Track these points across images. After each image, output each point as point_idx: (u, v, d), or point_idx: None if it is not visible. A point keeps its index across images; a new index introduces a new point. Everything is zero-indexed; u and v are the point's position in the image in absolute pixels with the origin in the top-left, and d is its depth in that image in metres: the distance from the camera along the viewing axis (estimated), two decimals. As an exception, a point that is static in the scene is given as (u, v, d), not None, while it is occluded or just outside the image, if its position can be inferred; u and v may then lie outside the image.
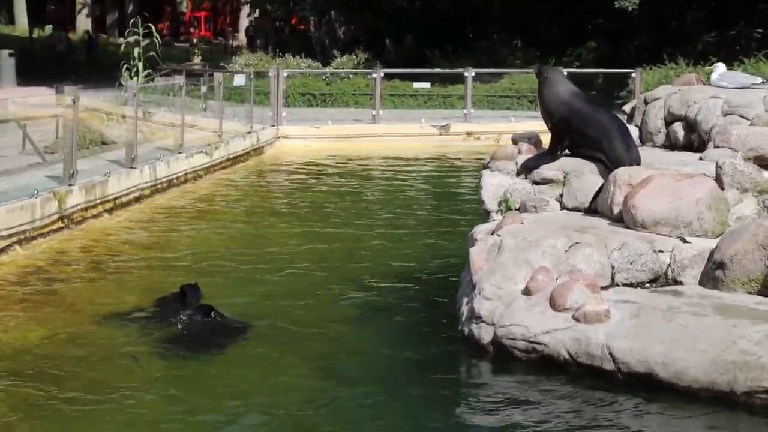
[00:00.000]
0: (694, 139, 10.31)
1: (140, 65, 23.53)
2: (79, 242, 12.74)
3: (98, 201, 14.30)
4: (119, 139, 17.69)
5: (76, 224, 13.51)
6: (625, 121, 10.53)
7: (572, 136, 9.50)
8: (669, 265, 8.21)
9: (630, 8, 29.84)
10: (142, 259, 11.91)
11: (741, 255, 7.79)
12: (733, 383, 6.87)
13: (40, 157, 15.38)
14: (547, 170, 9.54)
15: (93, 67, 38.44)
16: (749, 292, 7.78)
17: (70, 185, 13.62)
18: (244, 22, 63.31)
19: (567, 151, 9.64)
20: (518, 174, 9.64)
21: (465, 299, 8.45)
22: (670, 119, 10.69)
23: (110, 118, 20.50)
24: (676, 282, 8.15)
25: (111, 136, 18.48)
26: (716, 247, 8.05)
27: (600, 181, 9.22)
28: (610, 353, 7.30)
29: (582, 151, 9.51)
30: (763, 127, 9.51)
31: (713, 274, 7.97)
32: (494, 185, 9.67)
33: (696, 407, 6.93)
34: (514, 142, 10.16)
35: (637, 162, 9.21)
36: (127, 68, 23.54)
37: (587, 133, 9.40)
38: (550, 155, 9.62)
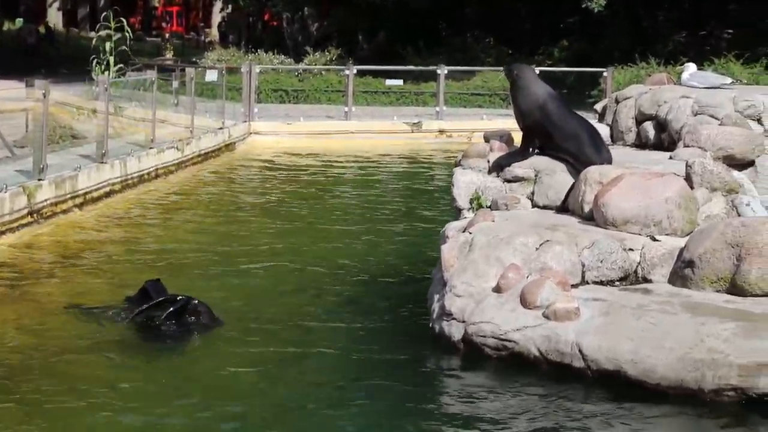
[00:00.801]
0: (664, 138, 10.36)
1: (111, 59, 23.41)
2: (48, 237, 12.67)
3: (68, 196, 14.22)
4: (90, 133, 17.59)
5: (46, 219, 13.43)
6: (594, 123, 10.58)
7: (543, 138, 9.51)
8: (639, 263, 8.26)
9: (596, 9, 29.92)
10: (113, 254, 11.86)
11: (710, 254, 7.84)
12: (701, 381, 6.92)
13: (9, 151, 15.27)
14: (518, 168, 9.56)
15: (53, 60, 38.22)
16: (718, 291, 7.84)
17: (39, 180, 13.54)
18: (216, 18, 63.06)
19: (538, 150, 9.65)
20: (490, 172, 9.66)
21: (436, 296, 8.46)
22: (640, 118, 10.75)
23: (81, 113, 20.40)
24: (646, 280, 8.20)
25: (81, 130, 18.37)
26: (685, 246, 8.10)
27: (571, 179, 9.26)
28: (580, 351, 7.34)
29: (553, 152, 9.52)
30: (733, 127, 9.58)
31: (682, 272, 8.02)
32: (466, 183, 9.69)
33: (664, 405, 6.97)
34: (486, 139, 10.18)
35: (608, 163, 9.25)
36: (98, 62, 23.41)
37: (558, 136, 9.41)
38: (520, 155, 9.64)
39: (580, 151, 9.28)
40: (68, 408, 6.94)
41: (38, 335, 8.51)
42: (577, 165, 9.26)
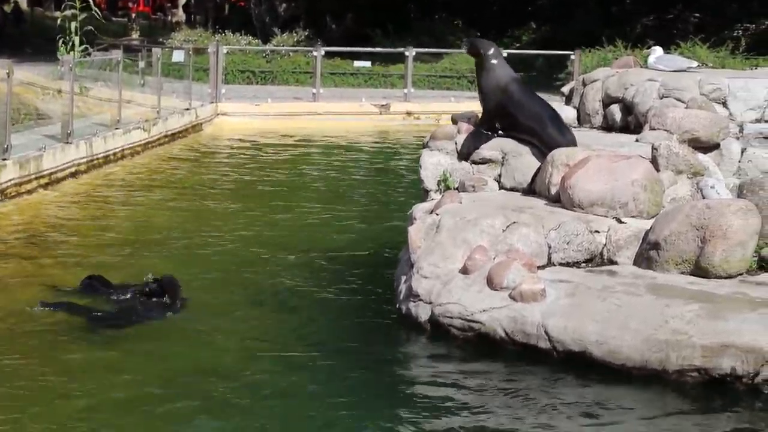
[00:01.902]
0: (630, 121, 10.41)
1: (77, 39, 23.18)
2: (13, 218, 12.57)
3: (33, 176, 14.11)
4: (55, 113, 17.44)
5: (10, 199, 13.33)
6: (561, 105, 10.63)
7: (505, 120, 9.51)
8: (604, 245, 8.30)
9: None
10: (78, 234, 11.78)
11: (675, 236, 7.90)
12: (665, 362, 6.98)
13: (-28, 131, 15.12)
14: (486, 150, 9.57)
15: (18, 40, 37.84)
16: (682, 273, 7.89)
17: (3, 160, 13.43)
18: (183, -2, 62.58)
19: (501, 132, 9.64)
20: (460, 160, 9.65)
21: (403, 278, 8.47)
22: (607, 101, 10.79)
23: (46, 93, 20.22)
24: (612, 262, 8.24)
25: (46, 110, 18.24)
26: (651, 228, 8.15)
27: (538, 162, 9.28)
28: (546, 332, 7.38)
29: (516, 135, 9.53)
30: (698, 110, 9.64)
31: (647, 254, 8.08)
32: (433, 164, 9.70)
33: (629, 385, 7.03)
34: (454, 121, 10.18)
35: (572, 144, 9.29)
36: (64, 42, 23.18)
37: (521, 119, 9.43)
38: (483, 136, 9.59)
39: (544, 133, 9.31)
40: (32, 389, 6.90)
41: (1, 318, 8.42)
42: (542, 147, 9.28)
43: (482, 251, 8.02)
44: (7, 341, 7.84)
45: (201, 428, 6.40)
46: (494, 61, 9.65)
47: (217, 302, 9.03)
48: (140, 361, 7.51)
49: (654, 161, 8.82)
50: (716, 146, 9.53)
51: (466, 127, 9.89)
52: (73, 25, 23.10)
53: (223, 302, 9.04)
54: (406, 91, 27.31)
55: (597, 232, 8.32)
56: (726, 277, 7.79)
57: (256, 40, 33.86)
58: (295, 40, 34.23)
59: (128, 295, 8.89)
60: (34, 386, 6.95)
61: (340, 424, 6.49)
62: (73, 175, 15.46)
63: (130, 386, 6.99)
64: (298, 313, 8.87)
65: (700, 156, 9.09)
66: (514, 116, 9.44)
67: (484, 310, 7.65)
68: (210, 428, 6.40)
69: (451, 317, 7.77)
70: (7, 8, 47.30)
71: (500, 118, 9.51)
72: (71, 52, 22.28)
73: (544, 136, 9.29)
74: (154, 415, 6.55)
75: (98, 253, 10.76)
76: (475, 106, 12.31)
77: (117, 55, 19.93)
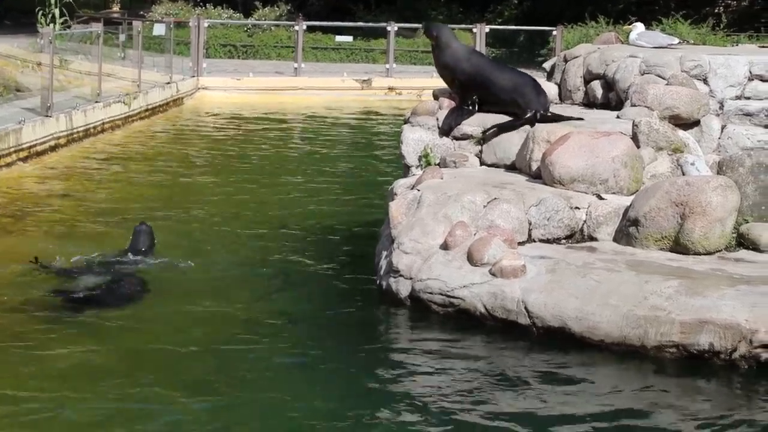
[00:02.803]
0: (612, 97, 10.42)
1: (57, 12, 23.02)
2: (-8, 191, 12.51)
3: (12, 149, 14.03)
4: (34, 86, 17.34)
5: (-11, 172, 13.28)
6: (543, 81, 10.66)
7: (479, 90, 9.59)
8: (585, 221, 8.33)
9: None
10: (57, 207, 11.75)
11: (654, 212, 7.93)
12: (644, 338, 7.02)
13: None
14: (467, 126, 9.57)
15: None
16: (661, 249, 7.93)
17: (-18, 133, 13.36)
18: (164, -29, 62.12)
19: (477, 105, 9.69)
20: (441, 135, 9.66)
21: (384, 253, 8.48)
22: (588, 77, 10.78)
23: (25, 65, 20.07)
24: (592, 238, 8.27)
25: (26, 83, 18.11)
26: (631, 205, 8.18)
27: (519, 138, 9.28)
28: (526, 308, 7.40)
29: (491, 107, 9.59)
30: (679, 86, 9.64)
31: (627, 230, 8.11)
32: (415, 140, 9.69)
33: (608, 361, 7.06)
34: (435, 97, 10.16)
35: (546, 107, 9.43)
36: (43, 14, 23.01)
37: (494, 86, 9.53)
38: (465, 112, 9.64)
39: (519, 95, 9.42)
40: (12, 363, 6.89)
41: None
42: (518, 112, 9.34)
43: (463, 227, 8.03)
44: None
45: (179, 404, 6.39)
46: (450, 40, 9.89)
47: (195, 275, 8.98)
48: (113, 335, 7.46)
49: (635, 138, 8.84)
50: (696, 123, 9.55)
51: (447, 103, 9.88)
52: (53, -3, 22.93)
53: (200, 275, 9.00)
54: (388, 66, 27.26)
55: (577, 208, 8.34)
56: (705, 254, 7.84)
57: (238, 14, 33.68)
58: (277, 14, 34.05)
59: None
60: (6, 358, 6.93)
61: (319, 395, 6.49)
62: (53, 148, 15.39)
63: (101, 360, 6.96)
64: (277, 289, 8.86)
65: (681, 133, 9.12)
66: (486, 84, 9.56)
67: (464, 286, 7.67)
68: (187, 404, 6.38)
69: (432, 293, 7.78)
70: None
71: (475, 89, 9.58)
72: (51, 25, 22.11)
73: (521, 99, 9.40)
74: (118, 387, 6.54)
75: (78, 226, 10.72)
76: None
77: (97, 28, 19.79)
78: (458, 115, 9.66)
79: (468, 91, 9.64)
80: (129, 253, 9.37)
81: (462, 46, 10.00)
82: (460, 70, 9.71)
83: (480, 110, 9.67)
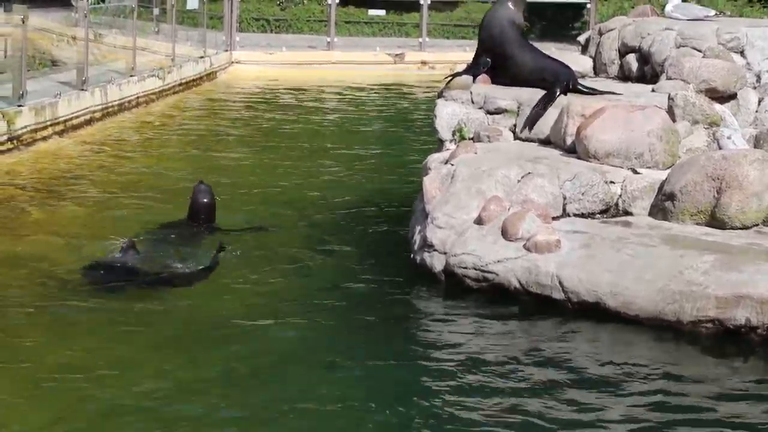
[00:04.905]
0: (647, 70, 10.34)
1: (92, -15, 23.09)
2: (29, 165, 12.60)
3: (48, 123, 14.13)
4: (70, 60, 17.42)
5: (26, 146, 13.36)
6: (577, 55, 10.66)
7: (500, 61, 9.76)
8: (620, 196, 8.29)
9: None
10: (94, 181, 11.83)
11: (690, 186, 7.88)
12: (680, 313, 7.00)
13: (-13, 77, 15.13)
14: (501, 100, 9.53)
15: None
16: (697, 224, 7.89)
17: (19, 106, 13.43)
18: (197, -56, 62.14)
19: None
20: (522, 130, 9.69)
21: (418, 228, 8.48)
22: (623, 51, 10.70)
23: (60, 39, 20.18)
24: (627, 213, 8.24)
25: (61, 57, 18.21)
26: (666, 179, 8.13)
27: (553, 111, 9.24)
28: (560, 282, 7.39)
29: (518, 83, 9.71)
30: (715, 59, 9.56)
31: (663, 205, 8.07)
32: (448, 114, 9.65)
33: (643, 336, 7.06)
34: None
35: (575, 78, 9.60)
36: (78, -12, 23.08)
37: (519, 60, 9.70)
38: (473, 69, 9.91)
39: (543, 71, 9.55)
40: (50, 337, 6.97)
41: (18, 265, 8.45)
42: (550, 78, 9.46)
43: (497, 202, 8.02)
44: (27, 287, 7.89)
45: (217, 386, 6.45)
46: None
47: (230, 256, 8.98)
48: (156, 317, 7.52)
49: (670, 111, 8.78)
50: (733, 96, 9.47)
51: (482, 77, 9.85)
52: (88, -30, 22.98)
53: (235, 256, 9.00)
54: (420, 40, 27.13)
55: (612, 182, 8.30)
56: (741, 228, 7.79)
57: (271, -12, 33.60)
58: (310, -13, 33.95)
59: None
60: (42, 340, 7.00)
61: (357, 366, 6.56)
62: (89, 122, 15.47)
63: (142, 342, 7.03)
64: (313, 263, 8.87)
65: (717, 106, 9.04)
66: (511, 55, 9.71)
67: (498, 261, 7.67)
68: (225, 385, 6.43)
69: (466, 267, 7.78)
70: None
71: (493, 58, 9.79)
72: (86, -1, 22.18)
73: (548, 66, 9.56)
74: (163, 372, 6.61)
75: (115, 200, 10.80)
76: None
77: (131, 2, 19.84)
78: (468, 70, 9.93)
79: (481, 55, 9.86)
80: (190, 224, 9.43)
81: (507, 16, 9.84)
82: (487, 38, 9.84)
83: (514, 84, 9.68)
